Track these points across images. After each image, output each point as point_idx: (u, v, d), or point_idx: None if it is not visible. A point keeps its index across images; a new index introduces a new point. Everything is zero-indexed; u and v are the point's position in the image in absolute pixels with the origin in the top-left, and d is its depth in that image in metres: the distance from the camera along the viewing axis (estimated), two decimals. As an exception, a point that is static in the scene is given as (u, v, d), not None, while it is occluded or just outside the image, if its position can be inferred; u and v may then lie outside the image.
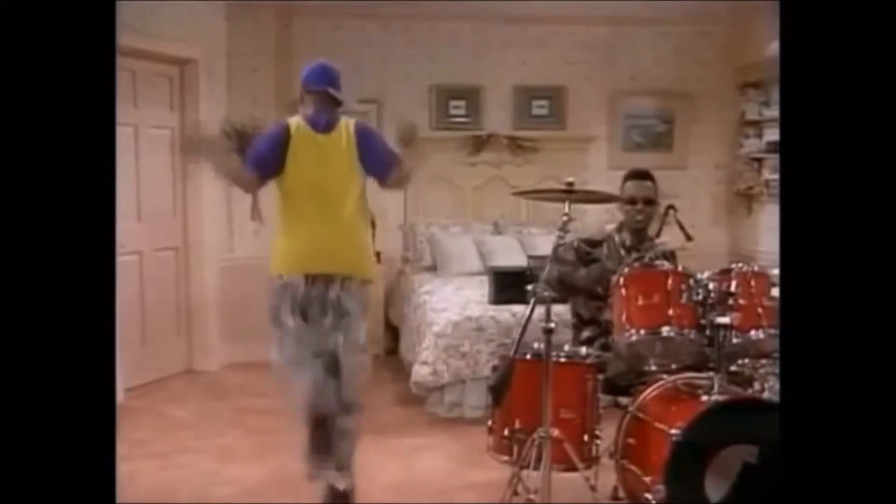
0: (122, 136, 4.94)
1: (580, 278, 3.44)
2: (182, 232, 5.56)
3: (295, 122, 3.23)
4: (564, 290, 3.48)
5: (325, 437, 3.19)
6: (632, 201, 3.48)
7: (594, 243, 3.57)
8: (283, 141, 3.18)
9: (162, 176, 5.39)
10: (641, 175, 3.54)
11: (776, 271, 2.70)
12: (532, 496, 2.84)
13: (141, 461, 3.83)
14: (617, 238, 3.55)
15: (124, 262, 5.00)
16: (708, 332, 2.84)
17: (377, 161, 3.21)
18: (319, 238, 3.18)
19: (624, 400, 3.08)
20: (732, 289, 2.83)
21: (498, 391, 2.75)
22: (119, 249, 4.85)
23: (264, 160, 3.19)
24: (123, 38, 5.02)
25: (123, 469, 3.62)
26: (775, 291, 2.87)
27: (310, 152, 3.19)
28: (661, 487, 2.59)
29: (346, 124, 3.23)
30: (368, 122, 3.41)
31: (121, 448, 4.25)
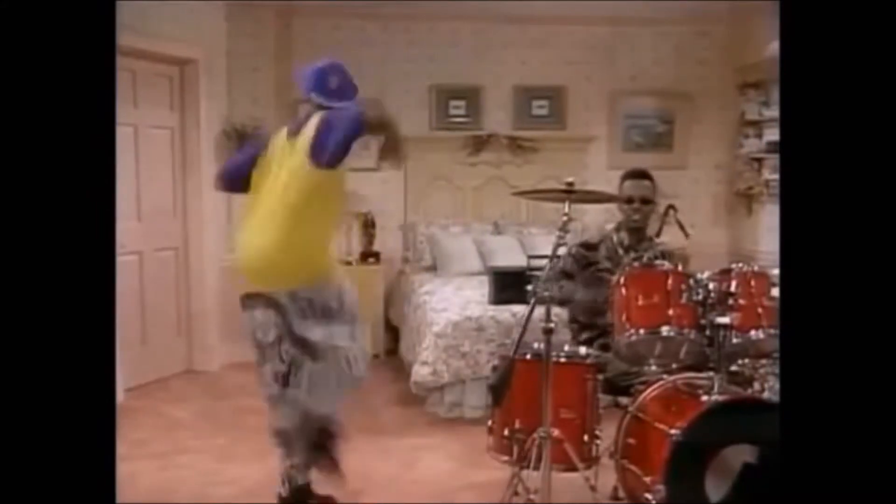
0: (122, 136, 4.94)
1: (579, 292, 3.45)
2: (182, 232, 5.56)
3: (281, 130, 3.13)
4: (569, 304, 3.50)
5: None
6: (629, 201, 3.48)
7: (591, 246, 3.58)
8: (257, 151, 3.10)
9: (162, 176, 5.39)
10: (639, 174, 3.54)
11: (776, 271, 2.70)
12: (532, 496, 2.84)
13: (141, 461, 3.83)
14: (615, 238, 3.56)
15: (124, 262, 5.00)
16: (708, 332, 2.84)
17: (315, 143, 2.93)
18: (254, 252, 3.00)
19: (624, 400, 3.08)
20: (732, 289, 2.83)
21: (498, 391, 2.75)
22: (119, 249, 4.86)
23: (227, 169, 3.18)
24: (123, 38, 5.00)
25: (123, 469, 3.61)
26: (775, 291, 2.87)
27: (268, 161, 3.05)
28: (661, 487, 2.59)
29: (312, 121, 2.99)
30: (339, 113, 3.03)
31: (121, 448, 4.23)
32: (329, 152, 2.88)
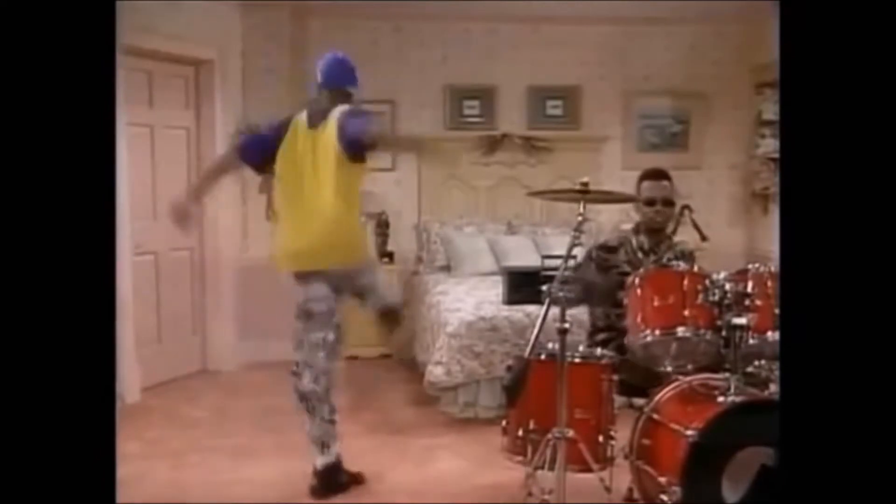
0: (139, 136, 4.98)
1: (601, 284, 3.42)
2: (198, 232, 5.57)
3: (297, 116, 3.35)
4: (590, 297, 3.47)
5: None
6: (650, 202, 3.44)
7: (611, 249, 3.54)
8: (278, 133, 3.34)
9: (177, 176, 5.40)
10: (658, 175, 3.50)
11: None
12: (546, 497, 2.83)
13: (156, 460, 3.85)
14: (634, 241, 3.51)
15: (140, 262, 5.04)
16: (724, 333, 2.82)
17: (349, 130, 3.19)
18: (301, 233, 3.31)
19: (639, 401, 3.06)
20: (749, 289, 2.81)
21: (512, 391, 2.74)
22: (135, 249, 4.93)
23: (249, 143, 3.52)
24: (139, 39, 5.05)
25: (138, 468, 3.65)
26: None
27: (295, 147, 3.29)
28: (676, 489, 2.58)
29: (333, 114, 3.26)
30: (360, 107, 3.45)
31: (136, 447, 4.28)
32: (362, 144, 3.20)
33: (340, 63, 3.39)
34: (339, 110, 3.26)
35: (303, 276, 3.33)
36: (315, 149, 3.24)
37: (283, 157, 3.32)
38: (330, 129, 3.23)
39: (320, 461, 3.39)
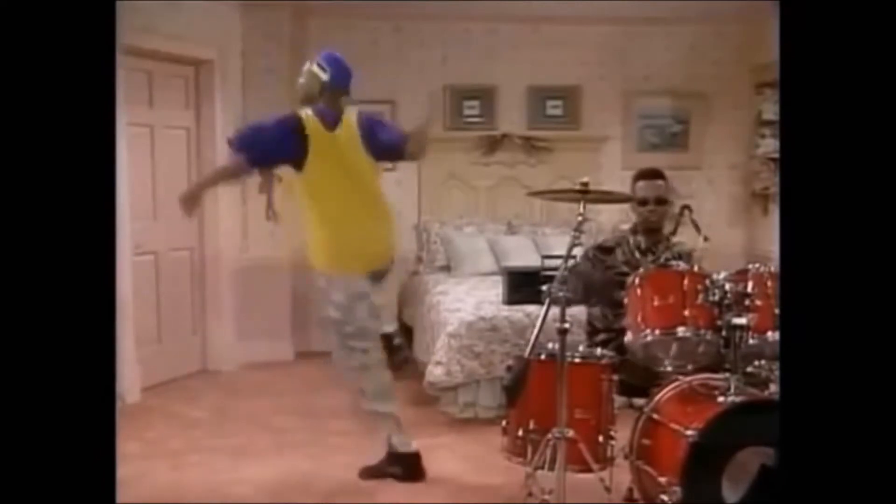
0: (139, 136, 4.98)
1: (598, 284, 3.43)
2: (197, 232, 5.58)
3: (307, 116, 3.35)
4: (586, 294, 3.47)
5: None
6: (643, 202, 3.45)
7: (607, 249, 3.54)
8: (296, 133, 3.31)
9: (178, 176, 5.40)
10: (652, 174, 3.51)
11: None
12: (546, 497, 2.83)
13: (155, 460, 3.85)
14: (632, 240, 3.51)
15: (140, 262, 5.04)
16: (724, 333, 2.82)
17: (389, 138, 3.38)
18: (371, 233, 3.43)
19: (639, 401, 3.06)
20: (749, 289, 2.81)
21: (512, 391, 2.74)
22: (135, 249, 4.93)
23: (269, 148, 3.39)
24: (139, 39, 5.05)
25: (138, 468, 3.65)
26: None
27: (328, 148, 3.32)
28: (676, 489, 2.58)
29: (349, 117, 3.38)
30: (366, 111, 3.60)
31: (136, 447, 4.28)
32: (403, 136, 3.39)
33: (340, 62, 3.47)
34: (353, 113, 3.40)
35: (378, 275, 3.50)
36: (341, 150, 3.34)
37: (319, 160, 3.32)
38: (350, 131, 3.35)
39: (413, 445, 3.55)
